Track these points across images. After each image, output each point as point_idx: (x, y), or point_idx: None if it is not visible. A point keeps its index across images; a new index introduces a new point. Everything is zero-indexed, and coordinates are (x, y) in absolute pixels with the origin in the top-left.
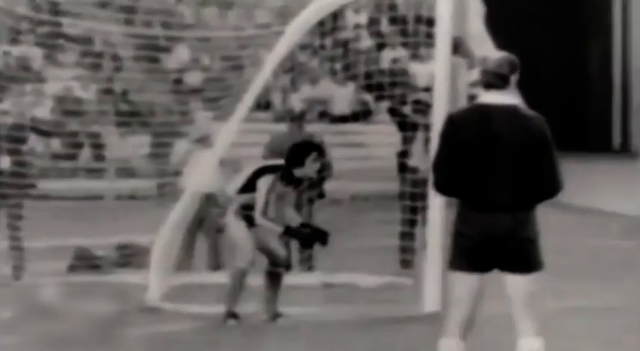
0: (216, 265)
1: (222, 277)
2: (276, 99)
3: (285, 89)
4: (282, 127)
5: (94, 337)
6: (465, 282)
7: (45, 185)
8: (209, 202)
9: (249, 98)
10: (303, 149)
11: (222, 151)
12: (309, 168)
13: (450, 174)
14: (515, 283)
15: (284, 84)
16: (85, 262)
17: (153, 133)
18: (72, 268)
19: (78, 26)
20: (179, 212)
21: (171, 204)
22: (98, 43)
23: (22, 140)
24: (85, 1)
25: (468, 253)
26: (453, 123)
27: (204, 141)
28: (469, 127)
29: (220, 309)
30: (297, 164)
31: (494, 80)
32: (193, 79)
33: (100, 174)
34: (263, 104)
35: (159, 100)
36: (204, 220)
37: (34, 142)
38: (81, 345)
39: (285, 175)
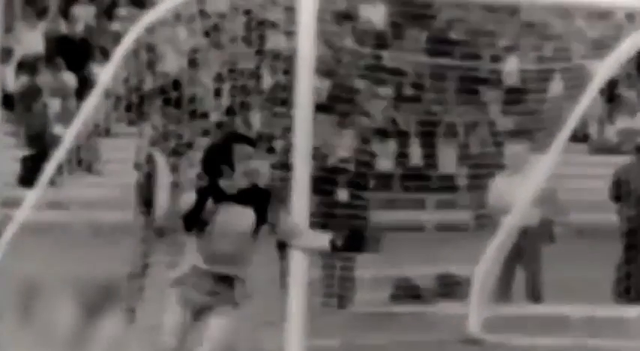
0: (535, 296)
1: (541, 309)
2: (593, 130)
3: (601, 120)
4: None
5: None
6: None
7: None
8: (527, 234)
9: (566, 130)
10: (223, 148)
11: (539, 183)
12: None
13: None
14: None
15: (600, 115)
16: (407, 292)
17: (470, 164)
18: (394, 298)
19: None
20: (498, 244)
21: (490, 235)
22: (411, 75)
23: None
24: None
25: None
26: None
27: (521, 173)
28: None
29: (540, 341)
30: (217, 172)
31: None
32: None
33: (422, 205)
34: (580, 136)
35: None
36: (523, 252)
37: None
38: None
39: (210, 190)
